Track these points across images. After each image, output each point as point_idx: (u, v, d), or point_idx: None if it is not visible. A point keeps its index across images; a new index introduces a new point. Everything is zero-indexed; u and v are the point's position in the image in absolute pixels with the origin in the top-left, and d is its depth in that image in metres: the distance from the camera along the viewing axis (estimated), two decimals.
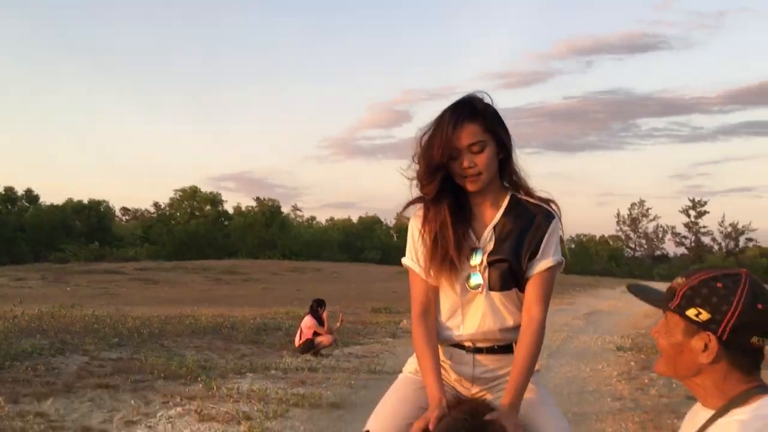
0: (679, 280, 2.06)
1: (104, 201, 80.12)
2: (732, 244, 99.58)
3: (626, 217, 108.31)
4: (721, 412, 1.99)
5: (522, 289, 2.89)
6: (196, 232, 77.21)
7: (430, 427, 2.57)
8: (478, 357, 2.92)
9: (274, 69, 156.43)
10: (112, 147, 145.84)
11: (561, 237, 2.91)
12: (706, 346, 1.96)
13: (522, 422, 2.67)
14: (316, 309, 14.99)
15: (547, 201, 2.96)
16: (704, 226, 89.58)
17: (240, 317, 20.17)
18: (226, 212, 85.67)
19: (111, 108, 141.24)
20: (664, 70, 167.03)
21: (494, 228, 2.89)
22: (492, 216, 2.92)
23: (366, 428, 2.94)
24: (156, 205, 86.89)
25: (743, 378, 1.99)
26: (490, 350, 2.92)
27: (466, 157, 2.76)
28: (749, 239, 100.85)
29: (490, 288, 2.85)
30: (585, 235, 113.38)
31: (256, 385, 11.10)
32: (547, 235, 2.84)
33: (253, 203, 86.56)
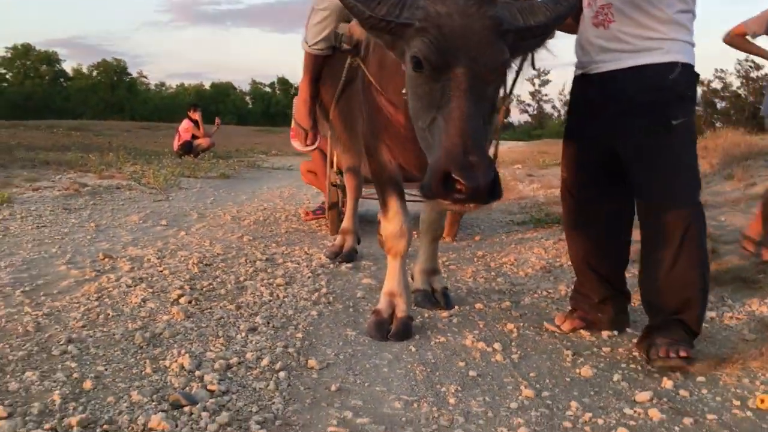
0: None
1: None
2: None
3: None
4: None
5: None
6: (33, 93, 71.17)
7: None
8: None
9: None
10: None
11: None
12: None
13: None
14: (191, 112, 15.29)
15: None
16: (546, 95, 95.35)
17: (106, 144, 20.15)
18: (64, 72, 79.17)
19: None
20: None
21: None
22: None
23: None
24: None
25: None
26: None
27: None
28: None
29: None
30: None
31: (146, 167, 11.79)
32: None
33: (94, 67, 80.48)
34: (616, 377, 2.74)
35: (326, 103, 4.10)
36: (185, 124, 15.16)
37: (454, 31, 2.14)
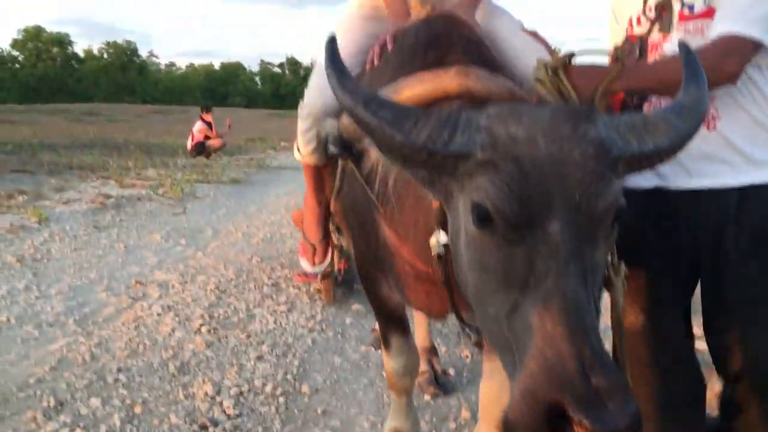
0: None
1: None
2: None
3: None
4: None
5: None
6: (45, 76, 72.33)
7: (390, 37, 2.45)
8: None
9: None
10: None
11: None
12: None
13: (480, 24, 2.54)
14: (203, 114, 16.20)
15: None
16: None
17: (122, 139, 21.01)
18: (76, 55, 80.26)
19: None
20: None
21: None
22: None
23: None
24: None
25: None
26: None
27: None
28: None
29: None
30: None
31: (162, 171, 12.68)
32: None
33: (105, 47, 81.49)
34: None
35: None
36: (199, 126, 16.05)
37: (542, 165, 1.37)
